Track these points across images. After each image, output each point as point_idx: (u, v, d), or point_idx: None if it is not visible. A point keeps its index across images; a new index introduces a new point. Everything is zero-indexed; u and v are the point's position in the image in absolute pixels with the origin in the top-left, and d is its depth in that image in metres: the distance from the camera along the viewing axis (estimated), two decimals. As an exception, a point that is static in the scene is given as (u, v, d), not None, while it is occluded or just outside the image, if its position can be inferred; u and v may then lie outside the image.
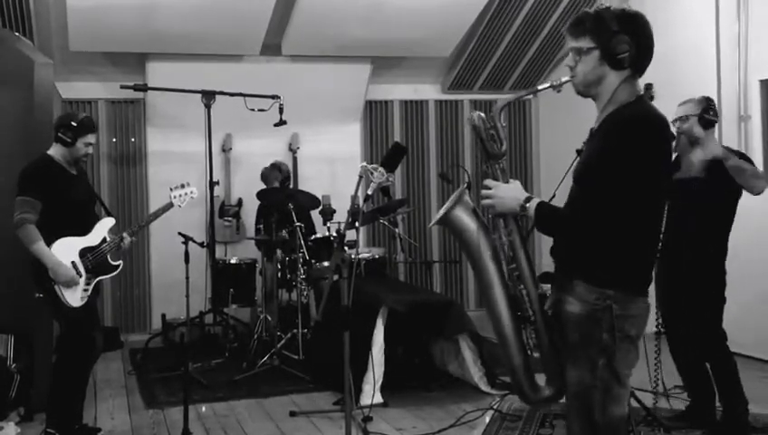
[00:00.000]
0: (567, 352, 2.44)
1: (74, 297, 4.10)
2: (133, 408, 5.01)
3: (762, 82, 5.79)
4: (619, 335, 2.34)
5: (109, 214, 4.49)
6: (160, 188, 7.24)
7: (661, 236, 4.12)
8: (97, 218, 4.34)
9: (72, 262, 4.11)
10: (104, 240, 4.27)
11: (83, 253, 4.17)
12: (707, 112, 4.11)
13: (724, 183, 4.00)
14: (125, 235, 4.31)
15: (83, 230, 4.22)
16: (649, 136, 2.33)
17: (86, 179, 4.46)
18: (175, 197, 4.65)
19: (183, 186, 4.71)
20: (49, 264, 4.02)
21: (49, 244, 4.04)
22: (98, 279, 4.24)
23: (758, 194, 4.05)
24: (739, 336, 4.51)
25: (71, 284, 4.07)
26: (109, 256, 4.28)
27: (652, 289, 2.48)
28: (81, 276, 4.13)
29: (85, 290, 4.15)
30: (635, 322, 2.38)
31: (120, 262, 4.38)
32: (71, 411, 4.25)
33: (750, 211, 4.34)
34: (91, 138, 4.24)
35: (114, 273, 4.35)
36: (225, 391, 5.29)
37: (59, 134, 4.17)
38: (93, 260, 4.19)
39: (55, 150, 4.22)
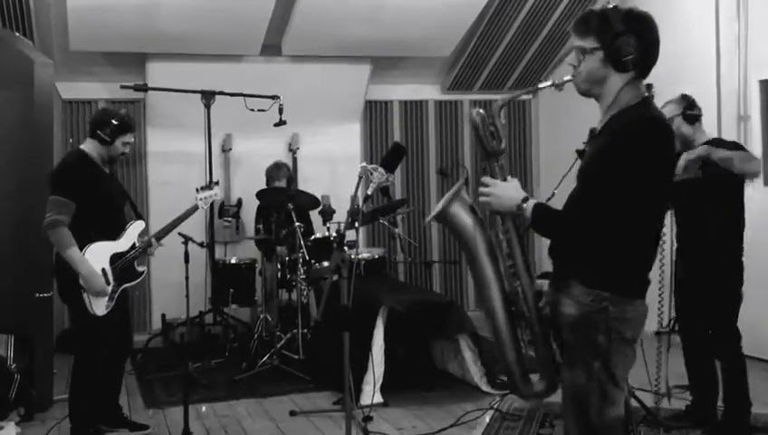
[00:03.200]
0: (564, 354, 2.42)
1: (100, 306, 3.96)
2: (133, 408, 5.01)
3: (762, 82, 5.79)
4: (615, 338, 2.30)
5: (139, 216, 4.30)
6: (160, 188, 7.26)
7: (675, 237, 4.16)
8: (126, 219, 4.20)
9: (103, 269, 3.97)
10: (133, 246, 4.12)
11: (113, 259, 4.02)
12: (690, 109, 4.09)
13: (722, 178, 3.96)
14: (153, 240, 4.14)
15: (115, 231, 4.06)
16: (654, 139, 2.27)
17: (117, 179, 4.31)
18: (200, 199, 4.48)
19: (210, 187, 4.54)
20: (83, 272, 3.85)
21: (80, 245, 3.87)
22: (122, 287, 4.07)
23: (755, 177, 4.02)
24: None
25: (101, 295, 3.93)
26: (135, 263, 4.13)
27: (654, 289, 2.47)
28: (109, 284, 3.97)
29: (111, 299, 3.99)
30: (631, 324, 2.32)
31: (144, 268, 4.21)
32: (89, 412, 4.15)
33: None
34: (129, 137, 4.09)
35: (138, 280, 4.16)
36: (225, 391, 5.30)
37: (97, 131, 4.01)
38: (121, 267, 4.04)
39: (90, 147, 4.05)
